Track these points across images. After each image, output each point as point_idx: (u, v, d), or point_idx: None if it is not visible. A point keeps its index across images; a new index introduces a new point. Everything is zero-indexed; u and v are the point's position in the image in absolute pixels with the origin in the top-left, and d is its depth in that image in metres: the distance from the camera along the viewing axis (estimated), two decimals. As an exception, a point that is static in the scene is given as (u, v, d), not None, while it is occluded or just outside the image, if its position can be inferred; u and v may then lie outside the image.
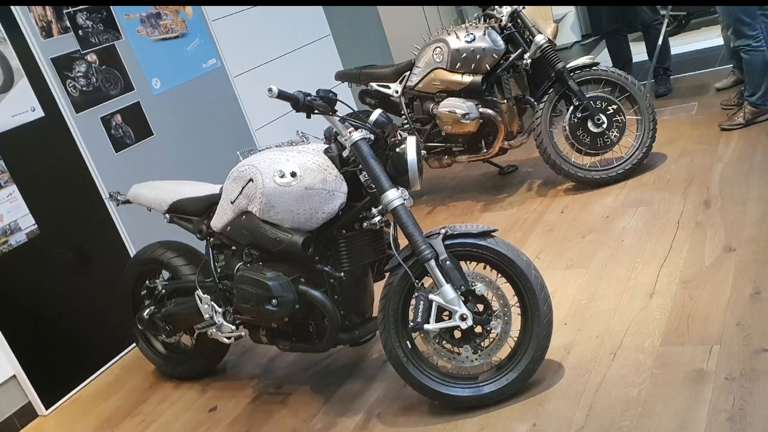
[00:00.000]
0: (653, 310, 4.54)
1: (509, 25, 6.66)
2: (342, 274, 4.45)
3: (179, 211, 5.09)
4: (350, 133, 4.18)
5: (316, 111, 4.14)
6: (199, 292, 4.95)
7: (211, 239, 4.93)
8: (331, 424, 4.50)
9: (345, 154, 4.27)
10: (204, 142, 7.00)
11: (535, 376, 4.16)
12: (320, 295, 4.40)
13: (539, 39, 6.51)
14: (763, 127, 6.60)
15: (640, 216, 5.74)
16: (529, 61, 6.59)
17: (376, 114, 4.30)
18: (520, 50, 6.64)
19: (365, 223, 4.34)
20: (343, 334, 4.53)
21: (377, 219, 4.25)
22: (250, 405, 4.98)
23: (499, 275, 4.17)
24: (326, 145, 4.41)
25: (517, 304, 4.16)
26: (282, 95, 4.02)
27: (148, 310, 5.41)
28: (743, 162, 6.05)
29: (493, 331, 4.14)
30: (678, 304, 4.50)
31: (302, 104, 4.09)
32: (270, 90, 3.97)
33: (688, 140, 6.92)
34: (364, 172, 4.17)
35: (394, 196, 4.07)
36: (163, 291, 5.37)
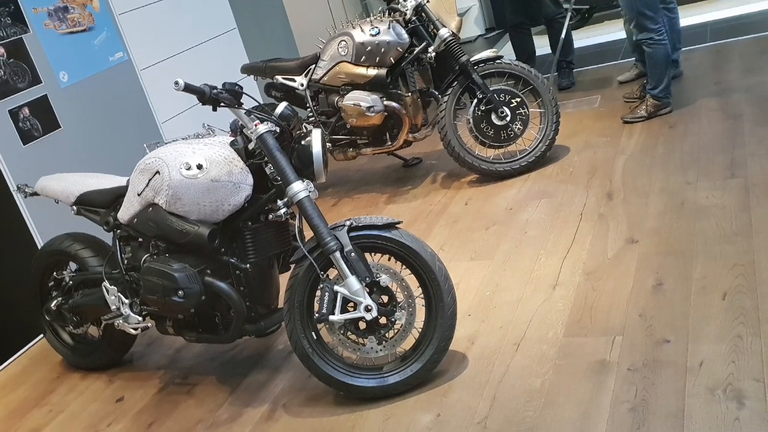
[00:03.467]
0: (556, 301, 4.56)
1: (413, 18, 6.65)
2: (248, 265, 4.45)
3: (86, 203, 5.03)
4: (256, 125, 4.14)
5: (222, 104, 4.11)
6: (106, 283, 4.89)
7: (118, 231, 4.87)
8: (237, 415, 4.47)
9: (251, 146, 4.26)
10: (111, 134, 6.89)
11: (439, 366, 4.16)
12: (226, 287, 4.39)
13: (443, 32, 6.51)
14: (665, 119, 6.69)
15: (544, 208, 5.78)
16: (433, 54, 6.59)
17: (282, 107, 4.25)
18: (424, 44, 6.65)
19: (271, 215, 4.33)
20: (249, 325, 4.52)
21: (282, 211, 4.24)
22: (157, 395, 4.92)
23: (404, 267, 4.17)
24: (232, 138, 4.39)
25: (422, 296, 4.15)
26: (188, 88, 3.99)
27: (55, 302, 5.32)
28: (645, 154, 6.12)
29: (397, 322, 4.14)
30: (581, 296, 4.53)
31: (208, 97, 4.07)
32: (176, 83, 3.95)
33: (591, 133, 6.99)
34: (270, 165, 4.15)
35: (299, 188, 4.06)
36: (71, 282, 5.29)
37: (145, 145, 4.79)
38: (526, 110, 6.52)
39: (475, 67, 6.49)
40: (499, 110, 6.48)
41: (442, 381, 4.15)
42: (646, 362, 3.80)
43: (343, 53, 6.75)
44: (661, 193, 5.40)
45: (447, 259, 5.10)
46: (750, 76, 7.06)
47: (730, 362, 3.64)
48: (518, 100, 6.50)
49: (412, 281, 4.13)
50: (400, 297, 4.13)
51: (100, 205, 4.98)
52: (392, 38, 6.56)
